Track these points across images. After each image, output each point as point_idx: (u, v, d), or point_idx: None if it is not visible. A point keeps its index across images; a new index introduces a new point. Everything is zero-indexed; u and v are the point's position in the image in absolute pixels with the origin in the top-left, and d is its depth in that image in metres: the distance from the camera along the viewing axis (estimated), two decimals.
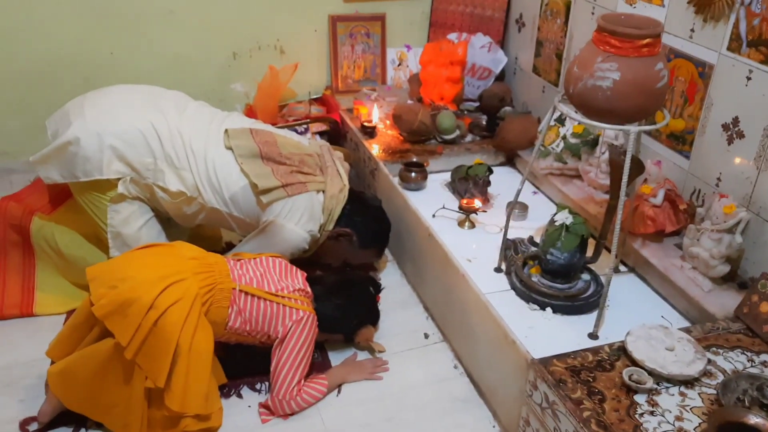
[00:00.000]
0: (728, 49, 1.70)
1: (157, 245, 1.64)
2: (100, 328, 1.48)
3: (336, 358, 1.82)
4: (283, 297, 1.62)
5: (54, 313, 1.92)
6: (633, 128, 1.48)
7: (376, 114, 2.53)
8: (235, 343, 1.67)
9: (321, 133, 2.60)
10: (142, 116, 1.78)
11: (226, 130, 1.83)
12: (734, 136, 1.71)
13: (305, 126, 2.57)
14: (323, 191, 1.86)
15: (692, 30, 1.80)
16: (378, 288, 1.88)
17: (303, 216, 1.81)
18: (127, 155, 1.75)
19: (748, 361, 1.44)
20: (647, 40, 1.42)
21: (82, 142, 1.72)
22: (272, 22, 2.66)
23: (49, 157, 1.79)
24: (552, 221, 1.71)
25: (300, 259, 1.90)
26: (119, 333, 1.43)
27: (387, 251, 2.25)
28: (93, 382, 1.47)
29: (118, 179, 1.77)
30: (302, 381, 1.62)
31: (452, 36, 2.73)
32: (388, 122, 2.55)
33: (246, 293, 1.59)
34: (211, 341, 1.53)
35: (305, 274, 1.74)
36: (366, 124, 2.47)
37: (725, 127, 1.74)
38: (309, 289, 1.70)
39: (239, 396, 1.67)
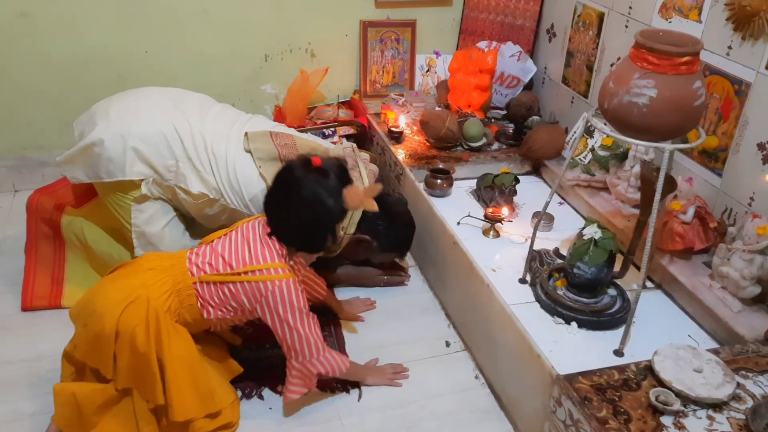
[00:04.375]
0: (767, 67, 1.67)
1: (121, 266, 1.58)
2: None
3: (351, 342, 1.83)
4: (246, 273, 1.49)
5: None
6: (668, 146, 1.47)
7: (403, 120, 2.54)
8: (235, 326, 1.63)
9: (348, 137, 2.61)
10: (164, 119, 1.80)
11: (246, 133, 1.84)
12: None
13: (333, 129, 2.58)
14: None
15: (729, 47, 1.78)
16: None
17: None
18: (149, 157, 1.77)
19: None
20: (686, 58, 1.41)
21: (106, 143, 1.75)
22: (304, 26, 2.68)
23: (75, 157, 1.82)
24: (580, 235, 1.70)
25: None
26: (102, 367, 1.45)
27: (410, 256, 2.26)
28: (99, 415, 1.49)
29: (141, 180, 1.79)
30: (318, 344, 1.54)
31: (482, 44, 2.73)
32: (414, 128, 2.56)
33: (205, 283, 1.50)
34: (189, 343, 1.50)
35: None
36: (393, 128, 2.48)
37: (761, 146, 1.71)
38: (283, 250, 1.52)
39: (260, 397, 1.69)
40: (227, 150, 1.81)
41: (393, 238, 1.98)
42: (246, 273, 1.49)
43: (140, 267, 1.54)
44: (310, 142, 1.95)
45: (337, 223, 1.54)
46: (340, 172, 1.50)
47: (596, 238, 1.66)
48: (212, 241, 1.58)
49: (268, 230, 1.52)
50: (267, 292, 1.48)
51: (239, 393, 1.67)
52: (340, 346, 1.86)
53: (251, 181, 1.81)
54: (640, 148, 1.98)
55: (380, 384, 1.74)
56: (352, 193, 1.50)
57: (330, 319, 1.94)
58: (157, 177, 1.79)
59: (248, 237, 1.54)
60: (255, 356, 1.78)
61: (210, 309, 1.53)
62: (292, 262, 1.54)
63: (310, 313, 1.54)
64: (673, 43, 1.44)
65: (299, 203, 1.47)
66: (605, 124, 1.55)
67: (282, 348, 1.56)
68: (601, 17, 2.30)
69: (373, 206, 1.53)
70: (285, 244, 1.52)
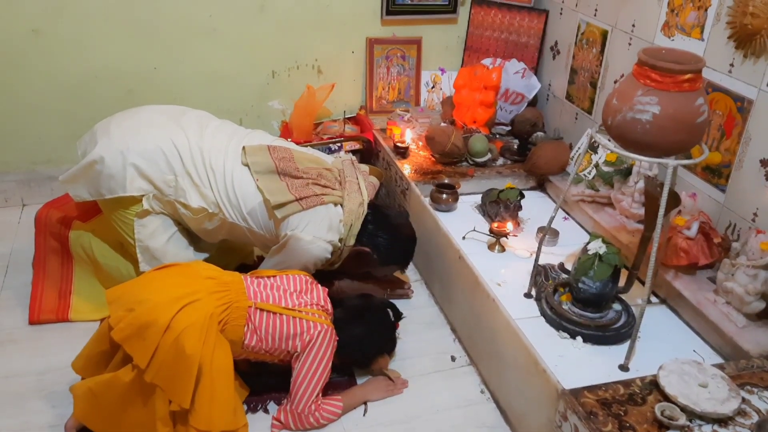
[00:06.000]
0: None
1: (174, 266, 1.65)
2: (123, 351, 1.49)
3: (362, 377, 1.83)
4: (300, 311, 1.62)
5: (88, 320, 1.97)
6: (671, 161, 1.48)
7: (409, 135, 2.56)
8: (254, 360, 1.68)
9: (354, 152, 2.63)
10: (163, 135, 1.82)
11: (243, 147, 1.86)
12: None
13: (339, 144, 2.61)
14: (341, 205, 1.87)
15: (731, 65, 1.80)
16: (398, 315, 1.86)
17: (320, 227, 1.81)
18: (148, 173, 1.79)
19: None
20: (688, 75, 1.43)
21: (107, 160, 1.78)
22: (311, 43, 2.72)
23: (77, 176, 1.85)
24: (585, 250, 1.71)
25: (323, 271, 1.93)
26: (138, 356, 1.45)
27: (415, 271, 2.27)
28: (117, 408, 1.49)
29: (142, 196, 1.81)
30: (320, 395, 1.63)
31: (487, 61, 2.76)
32: (420, 143, 2.58)
33: (262, 310, 1.59)
34: (230, 357, 1.54)
35: (326, 290, 1.75)
36: (398, 144, 2.50)
37: (764, 162, 1.73)
38: (329, 306, 1.70)
39: (266, 411, 1.69)
40: (225, 164, 1.83)
41: (394, 251, 1.97)
42: (302, 312, 1.63)
43: (198, 273, 1.58)
44: (308, 155, 1.96)
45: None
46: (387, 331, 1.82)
47: (601, 253, 1.67)
48: (268, 276, 1.71)
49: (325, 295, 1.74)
50: (316, 332, 1.62)
51: (245, 407, 1.68)
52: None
53: (249, 195, 1.82)
54: (644, 164, 1.99)
55: (383, 398, 1.74)
56: (381, 360, 1.80)
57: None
58: (157, 192, 1.81)
59: (306, 285, 1.73)
60: (257, 371, 1.78)
61: (254, 336, 1.58)
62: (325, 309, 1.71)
63: (327, 375, 1.65)
64: (675, 60, 1.46)
65: (364, 334, 1.75)
66: (609, 140, 1.57)
67: (291, 390, 1.63)
68: (604, 35, 2.34)
69: (396, 374, 1.82)
70: (348, 354, 1.74)
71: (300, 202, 1.79)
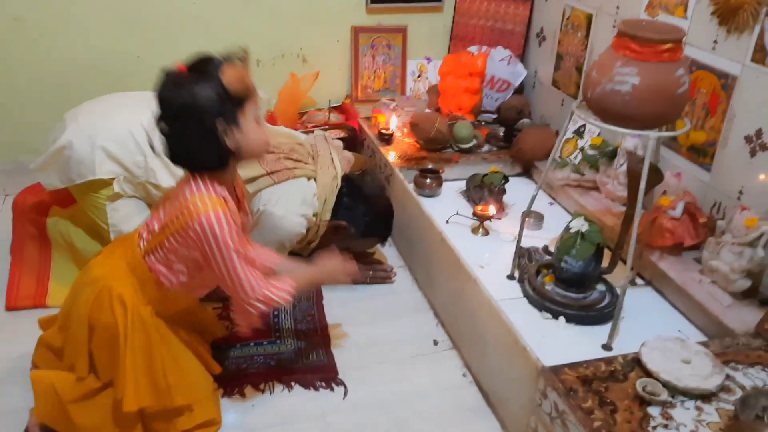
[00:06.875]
0: (752, 60, 1.67)
1: (93, 261, 1.52)
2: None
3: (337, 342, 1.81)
4: (171, 223, 1.37)
5: None
6: (652, 133, 1.46)
7: (393, 122, 2.54)
8: (213, 295, 1.55)
9: (339, 140, 2.60)
10: (131, 117, 1.80)
11: None
12: (757, 148, 1.68)
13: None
14: (315, 179, 1.85)
15: (715, 41, 1.78)
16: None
17: (293, 201, 1.78)
18: (118, 155, 1.77)
19: None
20: (668, 45, 1.41)
21: (75, 144, 1.76)
22: (296, 32, 2.70)
23: (47, 163, 1.84)
24: (567, 228, 1.68)
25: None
26: (78, 365, 1.44)
27: (399, 256, 2.24)
28: (79, 407, 1.46)
29: (112, 179, 1.79)
30: (251, 281, 1.39)
31: (472, 48, 2.74)
32: (405, 130, 2.56)
33: (150, 252, 1.42)
34: (148, 333, 1.43)
35: (196, 179, 1.38)
36: (383, 131, 2.48)
37: (748, 139, 1.70)
38: (194, 186, 1.36)
39: (242, 395, 1.66)
40: None
41: (371, 223, 1.95)
42: (172, 222, 1.36)
43: (99, 258, 1.50)
44: (280, 131, 1.95)
45: (226, 116, 1.30)
46: (205, 63, 1.32)
47: (583, 231, 1.64)
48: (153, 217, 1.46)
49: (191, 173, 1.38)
50: (190, 231, 1.33)
51: (221, 391, 1.64)
52: (325, 345, 1.83)
53: None
54: (628, 144, 1.97)
55: (342, 280, 1.60)
56: (229, 70, 1.29)
57: (313, 314, 1.92)
58: (127, 175, 1.79)
59: (176, 189, 1.42)
60: (238, 354, 1.75)
61: (164, 278, 1.43)
62: (214, 193, 1.35)
63: (240, 250, 1.37)
64: (655, 31, 1.44)
65: (178, 109, 1.30)
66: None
67: (229, 292, 1.42)
68: (589, 19, 2.31)
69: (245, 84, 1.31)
70: (187, 167, 1.37)
71: (271, 175, 1.77)
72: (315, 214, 1.83)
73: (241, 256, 1.37)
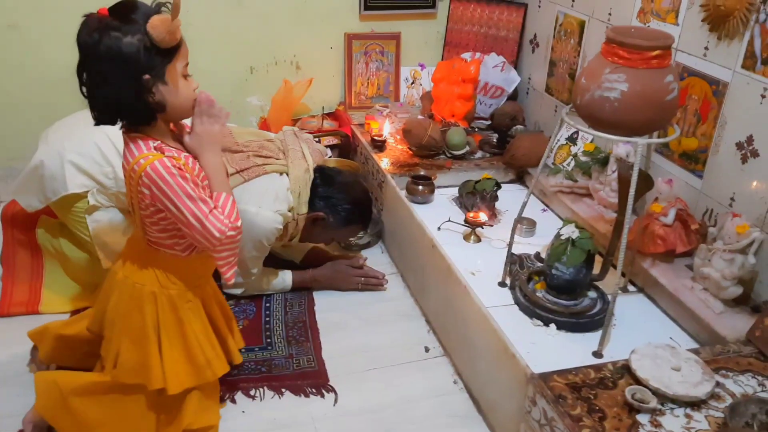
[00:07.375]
0: (743, 66, 1.67)
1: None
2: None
3: (329, 348, 1.81)
4: (134, 199, 1.34)
5: (59, 312, 1.94)
6: (641, 140, 1.45)
7: (387, 129, 2.54)
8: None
9: (332, 147, 2.61)
10: (97, 130, 1.75)
11: None
12: (748, 155, 1.67)
13: (317, 139, 2.58)
14: (287, 173, 1.84)
15: (706, 48, 1.78)
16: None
17: (265, 198, 1.78)
18: (86, 168, 1.78)
19: (759, 385, 1.38)
20: (657, 52, 1.40)
21: (46, 163, 1.78)
22: (290, 39, 2.70)
23: (24, 185, 1.85)
24: (558, 235, 1.68)
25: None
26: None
27: (391, 263, 2.23)
28: (82, 403, 1.45)
29: (86, 192, 1.80)
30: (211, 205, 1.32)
31: (466, 55, 2.74)
32: (398, 137, 2.56)
33: (145, 234, 1.40)
34: (180, 317, 1.41)
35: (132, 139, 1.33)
36: (376, 137, 2.48)
37: (739, 146, 1.70)
38: (128, 151, 1.31)
39: (233, 401, 1.65)
40: None
41: (348, 210, 1.94)
42: (133, 195, 1.32)
43: (119, 261, 1.50)
44: (248, 129, 1.95)
45: (151, 70, 1.23)
46: (131, 10, 1.22)
47: (573, 238, 1.64)
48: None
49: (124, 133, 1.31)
50: (145, 190, 1.27)
51: None
52: (316, 351, 1.82)
53: None
54: (620, 151, 1.97)
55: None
56: (157, 20, 1.19)
57: (305, 320, 1.92)
58: (99, 187, 1.80)
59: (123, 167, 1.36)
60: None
61: (170, 249, 1.39)
62: (152, 149, 1.28)
63: (196, 191, 1.29)
64: (643, 37, 1.44)
65: (100, 58, 1.20)
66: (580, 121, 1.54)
67: (195, 239, 1.34)
68: (582, 25, 2.32)
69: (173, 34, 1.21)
70: (109, 122, 1.29)
71: (241, 173, 1.77)
72: (291, 209, 1.82)
73: (199, 194, 1.29)
